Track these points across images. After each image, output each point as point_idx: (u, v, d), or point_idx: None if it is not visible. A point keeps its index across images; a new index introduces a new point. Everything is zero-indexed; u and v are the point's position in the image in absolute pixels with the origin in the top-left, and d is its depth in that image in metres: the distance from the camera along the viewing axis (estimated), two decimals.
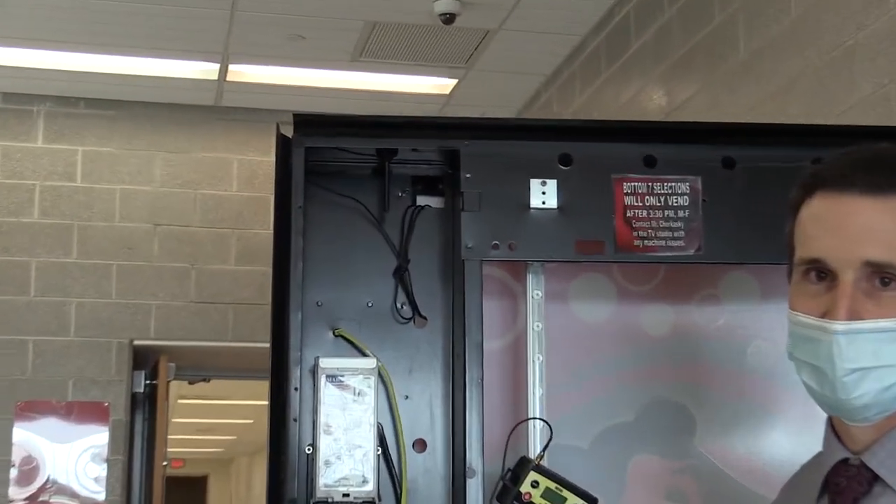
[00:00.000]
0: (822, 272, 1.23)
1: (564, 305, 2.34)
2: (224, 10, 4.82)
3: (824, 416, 1.31)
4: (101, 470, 5.57)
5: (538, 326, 2.21)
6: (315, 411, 2.07)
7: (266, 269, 2.30)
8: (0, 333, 5.61)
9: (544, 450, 2.11)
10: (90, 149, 5.85)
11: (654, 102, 4.40)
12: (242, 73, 5.57)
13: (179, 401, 10.12)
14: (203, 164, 5.97)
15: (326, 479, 2.03)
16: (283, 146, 2.20)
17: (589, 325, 2.36)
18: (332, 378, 2.07)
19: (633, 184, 2.21)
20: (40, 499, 5.46)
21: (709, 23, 3.99)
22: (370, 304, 2.27)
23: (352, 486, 2.03)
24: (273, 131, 2.23)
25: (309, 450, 2.09)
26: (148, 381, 5.90)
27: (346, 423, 2.05)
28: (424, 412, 2.25)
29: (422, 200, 2.33)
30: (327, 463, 2.03)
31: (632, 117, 4.48)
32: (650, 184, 2.21)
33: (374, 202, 2.30)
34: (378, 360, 2.14)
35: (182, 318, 5.81)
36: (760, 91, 3.63)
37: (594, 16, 4.85)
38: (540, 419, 2.16)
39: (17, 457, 5.47)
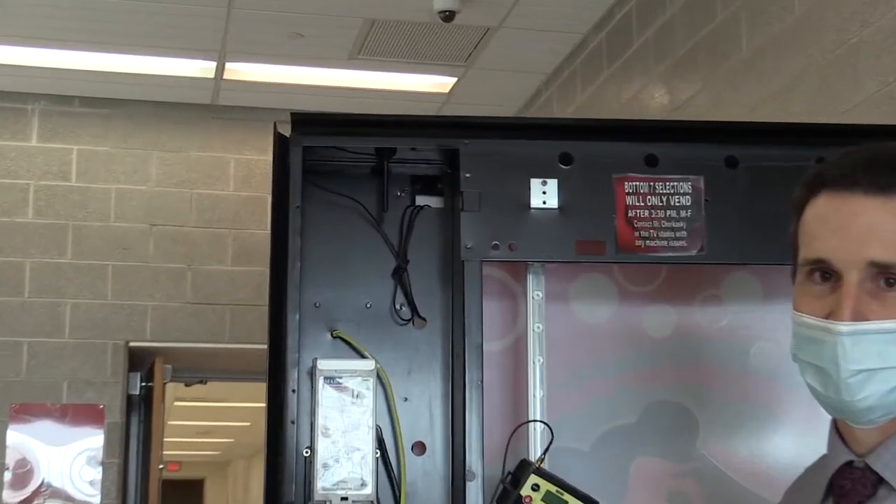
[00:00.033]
0: (827, 273, 1.23)
1: (565, 306, 2.34)
2: (221, 7, 4.82)
3: (828, 418, 1.31)
4: (97, 473, 5.57)
5: (539, 327, 2.21)
6: (313, 413, 2.07)
7: (263, 269, 2.30)
8: None
9: (545, 452, 2.11)
10: (85, 148, 5.85)
11: (656, 101, 4.40)
12: (239, 71, 5.57)
13: (176, 403, 10.13)
14: (199, 163, 5.97)
15: (324, 482, 2.02)
16: (281, 145, 2.20)
17: (590, 326, 2.36)
18: (330, 380, 2.07)
19: (634, 183, 2.21)
20: (35, 502, 5.46)
21: (711, 20, 3.99)
22: (369, 305, 2.27)
23: (350, 489, 2.03)
24: (270, 130, 2.23)
25: (307, 452, 2.09)
26: (144, 383, 5.90)
27: (344, 426, 2.05)
28: (424, 414, 2.25)
29: (421, 200, 2.33)
30: (325, 466, 2.03)
31: (633, 116, 4.49)
32: (652, 183, 2.21)
33: (372, 202, 2.30)
34: (377, 361, 2.14)
35: (178, 320, 5.81)
36: (763, 89, 3.63)
37: (595, 13, 4.85)
38: (540, 421, 2.16)
39: (10, 460, 5.47)
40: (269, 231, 2.23)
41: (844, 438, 1.28)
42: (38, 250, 5.71)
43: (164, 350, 5.89)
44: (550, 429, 2.13)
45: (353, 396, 2.06)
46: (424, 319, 2.27)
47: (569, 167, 2.21)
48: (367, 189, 2.30)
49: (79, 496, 5.52)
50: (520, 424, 2.17)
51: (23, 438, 5.52)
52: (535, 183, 2.19)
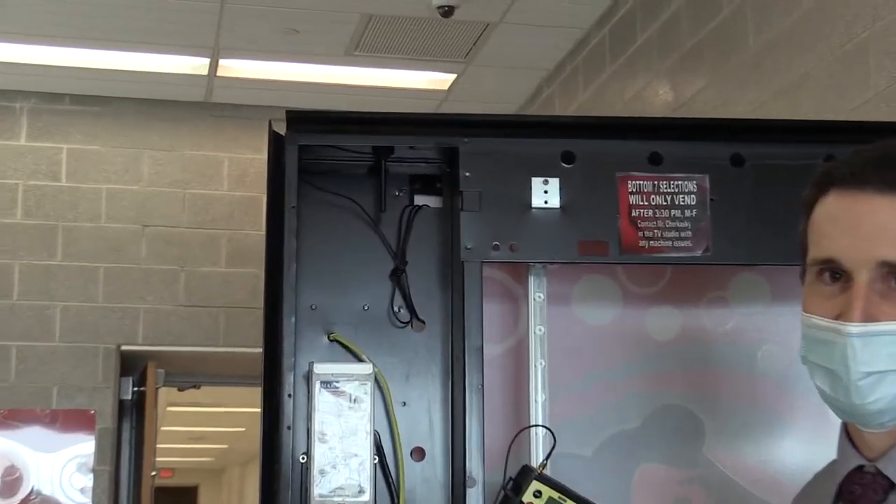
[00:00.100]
0: (837, 273, 1.23)
1: (567, 308, 2.34)
2: (214, 2, 4.82)
3: (838, 422, 1.32)
4: (88, 480, 5.57)
5: (540, 330, 2.21)
6: (309, 419, 2.07)
7: (258, 271, 2.30)
8: None
9: (547, 458, 2.11)
10: (75, 147, 5.85)
11: (661, 98, 4.40)
12: (233, 67, 5.57)
13: (169, 408, 10.13)
14: (192, 162, 5.97)
15: (321, 488, 2.02)
16: (276, 144, 2.21)
17: (593, 329, 2.36)
18: (326, 384, 2.07)
19: (638, 182, 2.21)
20: None
21: (717, 15, 3.99)
22: (366, 308, 2.27)
23: (347, 496, 2.03)
24: (265, 128, 2.23)
25: (303, 459, 2.09)
26: (136, 388, 5.90)
27: (341, 431, 2.05)
28: (423, 419, 2.25)
29: (419, 200, 2.33)
30: (322, 472, 2.03)
31: (637, 113, 4.49)
32: (656, 182, 2.21)
33: (370, 202, 2.30)
34: (374, 365, 2.14)
35: (171, 323, 5.81)
36: (770, 85, 3.63)
37: (598, 8, 4.85)
38: (542, 426, 2.16)
39: None
40: (264, 232, 2.23)
41: (855, 443, 1.28)
42: (27, 252, 5.71)
43: (157, 354, 5.89)
44: (552, 434, 2.13)
45: (350, 401, 2.06)
46: (423, 322, 2.27)
47: (571, 166, 2.21)
48: (364, 189, 2.30)
49: None
50: (521, 429, 2.17)
51: (11, 445, 5.51)
52: (537, 182, 2.19)
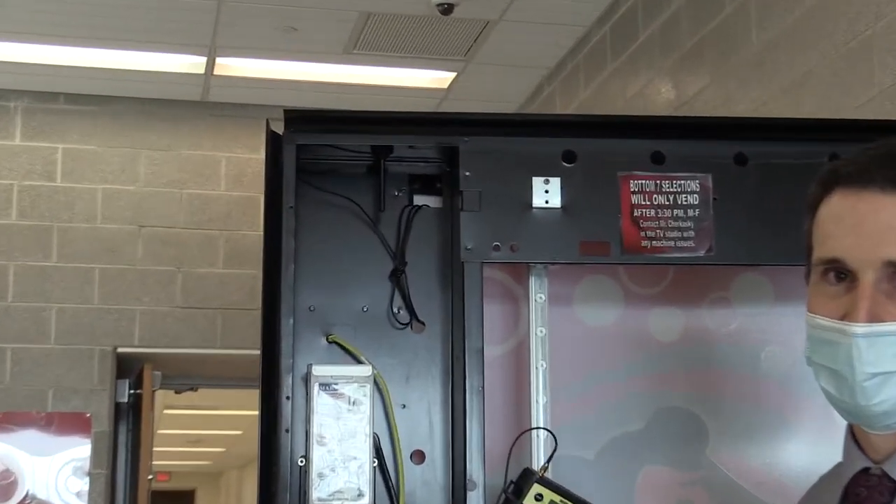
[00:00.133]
0: (842, 272, 1.23)
1: (569, 309, 2.34)
2: (211, 0, 4.82)
3: (844, 424, 1.32)
4: (83, 484, 5.57)
5: (541, 331, 2.21)
6: (308, 421, 2.07)
7: (256, 272, 2.30)
8: None
9: (549, 461, 2.11)
10: (71, 146, 5.85)
11: (663, 96, 4.40)
12: (230, 66, 5.57)
13: (165, 411, 10.13)
14: (189, 162, 5.97)
15: (320, 492, 2.02)
16: (274, 143, 2.20)
17: (594, 330, 2.36)
18: (325, 386, 2.07)
19: (640, 182, 2.21)
20: None
21: (719, 12, 3.99)
22: (365, 309, 2.27)
23: (346, 499, 2.03)
24: (263, 127, 2.23)
25: (301, 462, 2.09)
26: (132, 391, 5.90)
27: (340, 434, 2.05)
28: (422, 422, 2.25)
29: (419, 200, 2.33)
30: (321, 475, 2.03)
31: (639, 112, 4.49)
32: (658, 182, 2.21)
33: (368, 202, 2.30)
34: (374, 367, 2.14)
35: (168, 325, 5.81)
36: (774, 84, 3.63)
37: (599, 6, 4.85)
38: (544, 429, 2.16)
39: None
40: (261, 232, 2.23)
41: (861, 445, 1.29)
42: (21, 253, 5.71)
43: (154, 356, 5.89)
44: (554, 436, 2.13)
45: (349, 403, 2.06)
46: (423, 323, 2.27)
47: (572, 165, 2.21)
48: (363, 188, 2.30)
49: None
50: (522, 432, 2.17)
51: (6, 448, 5.51)
52: (538, 181, 2.19)
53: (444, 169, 2.30)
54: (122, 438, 5.91)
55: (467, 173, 2.19)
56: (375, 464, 2.09)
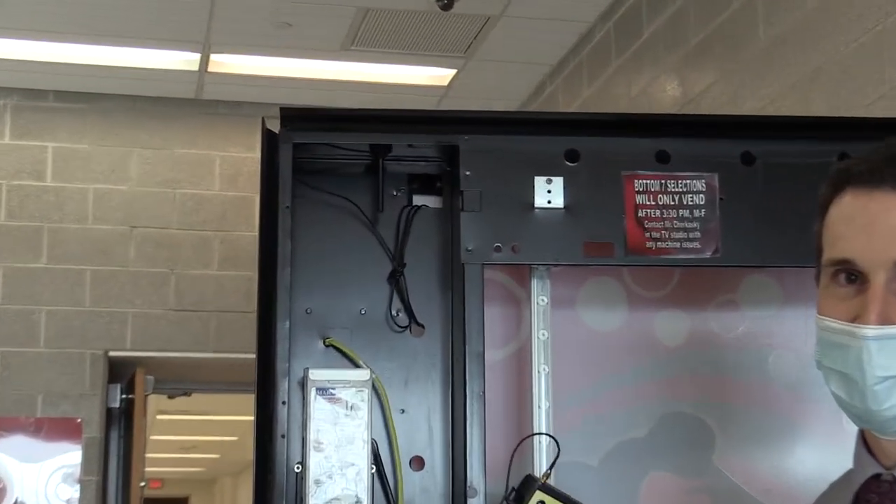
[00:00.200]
0: (852, 274, 1.24)
1: (572, 312, 2.34)
2: None
3: (855, 429, 1.32)
4: (74, 491, 5.56)
5: (544, 335, 2.21)
6: (304, 427, 2.07)
7: (251, 274, 2.30)
8: None
9: (551, 467, 2.11)
10: (61, 145, 5.85)
11: (668, 94, 4.41)
12: (225, 63, 5.58)
13: (158, 416, 10.13)
14: (183, 161, 5.97)
15: (317, 499, 2.03)
16: (270, 142, 2.21)
17: (598, 334, 2.36)
18: (322, 391, 2.07)
19: (644, 181, 2.21)
20: None
21: (726, 8, 3.99)
22: (363, 312, 2.27)
23: None
24: (258, 126, 2.24)
25: (298, 468, 2.09)
26: (124, 396, 5.90)
27: (337, 440, 2.05)
28: (422, 427, 2.25)
29: (418, 200, 2.33)
30: (318, 482, 2.03)
31: (643, 110, 4.49)
32: (663, 181, 2.21)
33: (367, 202, 2.30)
34: (372, 371, 2.14)
35: (161, 328, 5.81)
36: (782, 81, 3.63)
37: (603, 1, 4.86)
38: (546, 434, 2.16)
39: None
40: (257, 233, 2.23)
41: (872, 450, 1.29)
42: (10, 254, 5.71)
43: (146, 360, 5.89)
44: (557, 442, 2.13)
45: (347, 408, 2.06)
46: (422, 326, 2.27)
47: (575, 164, 2.21)
48: (361, 188, 2.30)
49: None
50: (524, 438, 2.17)
51: None
52: (540, 181, 2.19)
53: (444, 168, 2.31)
54: (113, 444, 5.91)
55: (468, 173, 2.19)
56: (374, 470, 2.09)
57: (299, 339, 2.21)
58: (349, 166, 2.30)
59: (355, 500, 2.03)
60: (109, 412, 5.84)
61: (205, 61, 5.51)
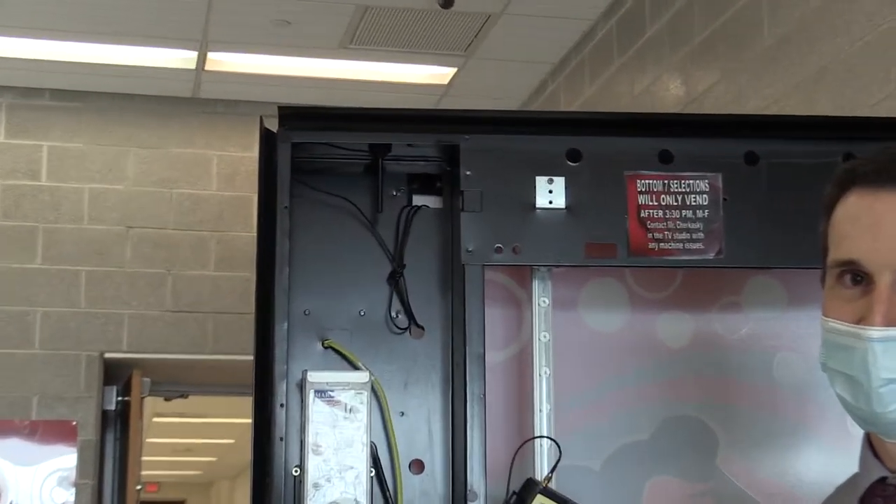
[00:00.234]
0: (858, 275, 1.24)
1: (573, 314, 2.34)
2: None
3: (861, 433, 1.32)
4: (69, 495, 5.56)
5: (545, 337, 2.21)
6: (303, 430, 2.07)
7: (249, 275, 2.30)
8: None
9: (552, 471, 2.11)
10: (56, 144, 5.85)
11: (671, 93, 4.41)
12: (222, 61, 5.58)
13: (154, 419, 10.13)
14: (180, 160, 5.97)
15: (315, 503, 2.02)
16: (268, 141, 2.21)
17: (600, 336, 2.36)
18: (321, 393, 2.07)
19: (647, 181, 2.21)
20: None
21: (731, 5, 3.99)
22: (362, 313, 2.27)
23: None
24: (256, 125, 2.24)
25: (296, 471, 2.09)
26: (120, 398, 5.90)
27: (336, 443, 2.05)
28: (422, 430, 2.25)
29: (418, 200, 2.33)
30: (316, 486, 2.03)
31: (646, 109, 4.49)
32: (666, 181, 2.21)
33: (366, 202, 2.30)
34: (371, 373, 2.14)
35: (157, 329, 5.81)
36: (786, 80, 3.63)
37: None
38: (547, 437, 2.16)
39: None
40: (255, 233, 2.23)
41: (878, 454, 1.29)
42: (5, 255, 5.71)
43: (142, 362, 5.89)
44: (558, 445, 2.13)
45: (345, 411, 2.06)
46: (422, 328, 2.27)
47: (577, 164, 2.21)
48: (360, 188, 2.30)
49: None
50: (525, 441, 2.17)
51: None
52: (541, 181, 2.19)
53: (445, 168, 2.31)
54: (109, 447, 5.91)
55: (468, 172, 2.19)
56: (373, 474, 2.09)
57: (298, 341, 2.21)
58: (348, 166, 2.30)
59: (354, 503, 2.03)
60: (105, 414, 5.85)
61: (202, 59, 5.52)
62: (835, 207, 1.29)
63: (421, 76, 5.73)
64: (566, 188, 2.19)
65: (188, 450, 13.75)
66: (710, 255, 2.19)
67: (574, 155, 2.21)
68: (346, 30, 5.15)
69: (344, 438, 2.05)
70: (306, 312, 2.25)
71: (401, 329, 2.27)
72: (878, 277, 1.22)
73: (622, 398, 2.33)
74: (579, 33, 5.16)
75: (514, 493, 2.08)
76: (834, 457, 2.25)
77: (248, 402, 2.19)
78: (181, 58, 5.52)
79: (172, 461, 14.39)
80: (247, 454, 2.18)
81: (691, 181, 2.22)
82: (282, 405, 2.09)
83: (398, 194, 2.32)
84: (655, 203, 2.20)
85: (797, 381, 2.34)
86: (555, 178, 2.19)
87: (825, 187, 1.31)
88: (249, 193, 5.82)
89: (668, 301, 2.37)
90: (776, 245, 2.19)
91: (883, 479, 1.27)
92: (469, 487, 2.06)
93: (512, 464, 2.13)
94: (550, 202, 2.18)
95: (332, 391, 2.07)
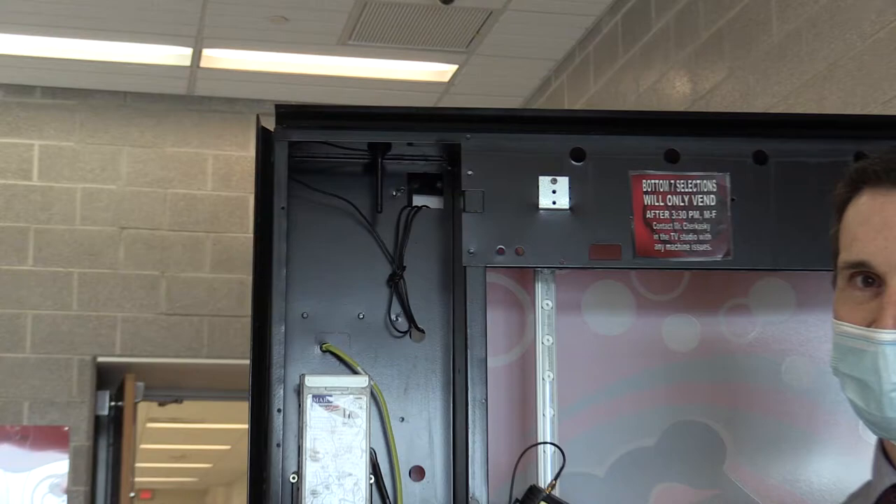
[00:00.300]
0: (869, 277, 1.24)
1: (577, 317, 2.34)
2: None
3: (874, 439, 1.32)
4: (61, 502, 5.57)
5: (548, 340, 2.21)
6: (300, 435, 2.07)
7: (245, 276, 2.30)
8: None
9: (556, 478, 2.11)
10: (48, 143, 5.86)
11: (677, 90, 4.41)
12: (218, 58, 5.58)
13: (148, 424, 10.13)
14: (174, 160, 5.97)
15: None
16: (264, 140, 2.21)
17: (605, 339, 2.36)
18: (319, 398, 2.07)
19: (653, 181, 2.21)
20: None
21: (738, 2, 3.99)
22: (361, 316, 2.27)
23: None
24: (252, 123, 2.24)
25: (294, 478, 2.09)
26: (113, 403, 5.90)
27: (334, 449, 2.05)
28: (422, 436, 2.25)
29: (419, 200, 2.33)
30: (314, 493, 2.03)
31: (652, 107, 4.49)
32: (672, 181, 2.21)
33: (365, 202, 2.30)
34: (370, 377, 2.14)
35: (151, 332, 5.81)
36: (796, 77, 3.63)
37: None
38: (551, 443, 2.16)
39: None
40: (251, 234, 2.23)
41: (891, 460, 1.28)
42: None
43: (136, 366, 5.90)
44: (562, 452, 2.13)
45: (344, 416, 2.06)
46: (423, 331, 2.27)
47: (581, 164, 2.21)
48: (359, 188, 2.30)
49: None
50: (528, 447, 2.17)
51: None
52: (544, 181, 2.19)
53: (445, 167, 2.31)
54: (102, 454, 5.91)
55: (470, 172, 2.19)
56: (372, 481, 2.09)
57: (295, 345, 2.21)
58: (347, 165, 2.30)
59: None
60: (98, 420, 5.85)
61: (197, 56, 5.52)
62: (846, 208, 1.29)
63: (421, 73, 5.73)
64: (570, 188, 2.19)
65: (183, 456, 13.75)
66: (718, 257, 2.19)
67: (578, 154, 2.21)
68: (345, 26, 5.15)
69: (342, 444, 2.05)
70: (304, 315, 2.25)
71: (401, 332, 2.27)
72: (889, 279, 1.22)
73: (627, 403, 2.33)
74: (583, 29, 5.16)
75: (516, 500, 2.08)
76: (846, 464, 2.25)
77: (244, 407, 2.19)
78: (176, 54, 5.53)
79: (167, 468, 14.39)
80: (243, 460, 2.18)
81: (698, 181, 2.22)
82: (279, 410, 2.09)
83: (398, 194, 2.32)
84: (661, 203, 2.20)
85: (807, 385, 2.34)
86: (558, 178, 2.19)
87: (836, 187, 1.31)
88: (246, 193, 5.83)
89: (674, 304, 2.37)
90: (785, 247, 2.19)
91: None
92: (471, 495, 2.06)
93: (515, 471, 2.13)
94: (554, 203, 2.18)
95: (330, 396, 2.07)
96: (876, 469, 1.31)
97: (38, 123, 5.87)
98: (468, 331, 2.12)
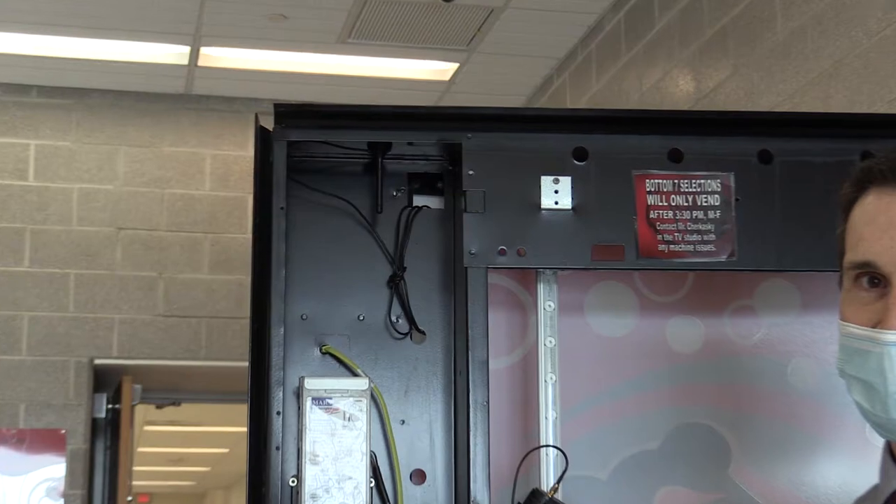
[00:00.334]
0: (875, 278, 1.24)
1: (580, 318, 2.34)
2: None
3: (881, 442, 1.32)
4: None
5: (551, 342, 2.21)
6: (300, 438, 2.07)
7: (244, 278, 2.30)
8: None
9: (559, 481, 2.11)
10: (44, 143, 5.86)
11: (681, 89, 4.41)
12: (216, 56, 5.58)
13: (146, 427, 10.13)
14: (172, 159, 5.97)
15: None
16: (263, 140, 2.21)
17: (608, 341, 2.36)
18: (318, 401, 2.07)
19: (656, 181, 2.21)
20: None
21: None
22: (361, 318, 2.27)
23: None
24: (251, 123, 2.24)
25: (293, 482, 2.09)
26: (110, 406, 5.90)
27: (334, 452, 2.05)
28: (423, 439, 2.25)
29: (419, 200, 2.33)
30: (314, 497, 2.03)
31: (655, 106, 4.49)
32: (676, 181, 2.21)
33: (365, 202, 2.30)
34: (371, 380, 2.14)
35: (149, 334, 5.81)
36: (801, 75, 3.63)
37: None
38: (553, 446, 2.16)
39: None
40: (250, 235, 2.23)
41: None
42: None
43: (133, 368, 5.89)
44: (564, 455, 2.13)
45: (344, 419, 2.06)
46: (423, 333, 2.27)
47: (583, 163, 2.21)
48: (359, 188, 2.30)
49: None
50: (530, 450, 2.17)
51: None
52: (547, 181, 2.19)
53: (446, 167, 2.31)
54: (99, 457, 5.91)
55: (471, 172, 2.19)
56: (372, 484, 2.09)
57: (294, 347, 2.21)
58: (347, 165, 2.30)
59: None
60: (95, 423, 5.85)
61: (195, 55, 5.52)
62: (852, 208, 1.29)
63: (422, 72, 5.73)
64: (572, 188, 2.19)
65: (181, 459, 13.75)
66: (722, 258, 2.19)
67: (580, 154, 2.21)
68: (345, 24, 5.15)
69: (342, 447, 2.05)
70: (303, 317, 2.25)
71: (401, 334, 2.27)
72: (894, 280, 1.22)
73: (630, 405, 2.33)
74: (586, 27, 5.16)
75: (519, 503, 2.09)
76: (852, 467, 2.25)
77: (242, 410, 2.19)
78: (173, 53, 5.53)
79: (164, 471, 14.40)
80: (242, 464, 2.18)
81: (702, 181, 2.22)
82: (278, 413, 2.09)
83: (398, 194, 2.32)
84: (665, 203, 2.20)
85: (813, 387, 2.34)
86: (560, 178, 2.19)
87: (842, 187, 1.31)
88: (244, 194, 5.83)
89: (678, 305, 2.37)
90: (791, 247, 2.19)
91: None
92: (472, 498, 2.06)
93: (517, 474, 2.13)
94: (556, 203, 2.18)
95: (330, 398, 2.07)
96: (883, 472, 1.31)
97: (35, 123, 5.87)
98: (469, 332, 2.12)
